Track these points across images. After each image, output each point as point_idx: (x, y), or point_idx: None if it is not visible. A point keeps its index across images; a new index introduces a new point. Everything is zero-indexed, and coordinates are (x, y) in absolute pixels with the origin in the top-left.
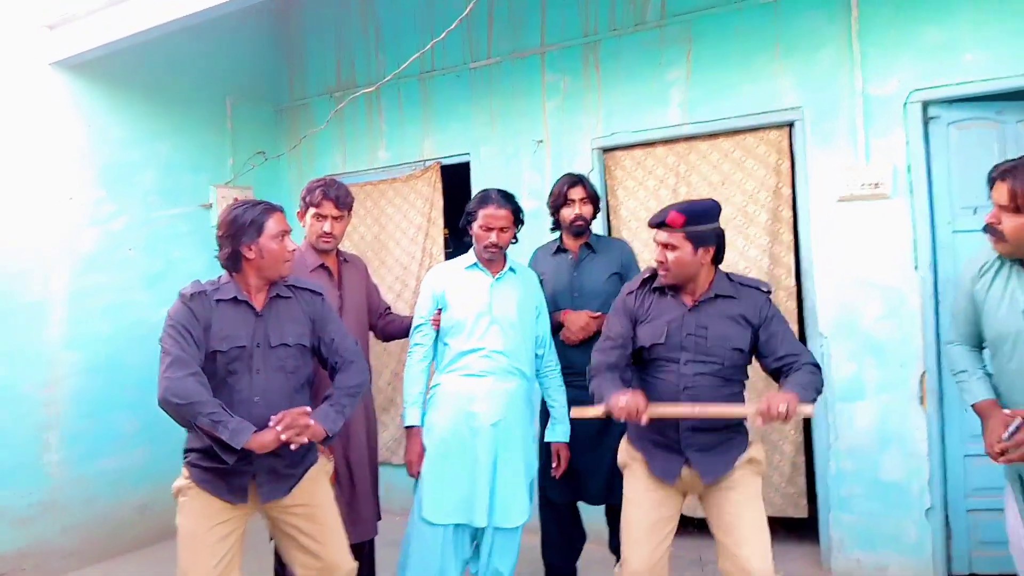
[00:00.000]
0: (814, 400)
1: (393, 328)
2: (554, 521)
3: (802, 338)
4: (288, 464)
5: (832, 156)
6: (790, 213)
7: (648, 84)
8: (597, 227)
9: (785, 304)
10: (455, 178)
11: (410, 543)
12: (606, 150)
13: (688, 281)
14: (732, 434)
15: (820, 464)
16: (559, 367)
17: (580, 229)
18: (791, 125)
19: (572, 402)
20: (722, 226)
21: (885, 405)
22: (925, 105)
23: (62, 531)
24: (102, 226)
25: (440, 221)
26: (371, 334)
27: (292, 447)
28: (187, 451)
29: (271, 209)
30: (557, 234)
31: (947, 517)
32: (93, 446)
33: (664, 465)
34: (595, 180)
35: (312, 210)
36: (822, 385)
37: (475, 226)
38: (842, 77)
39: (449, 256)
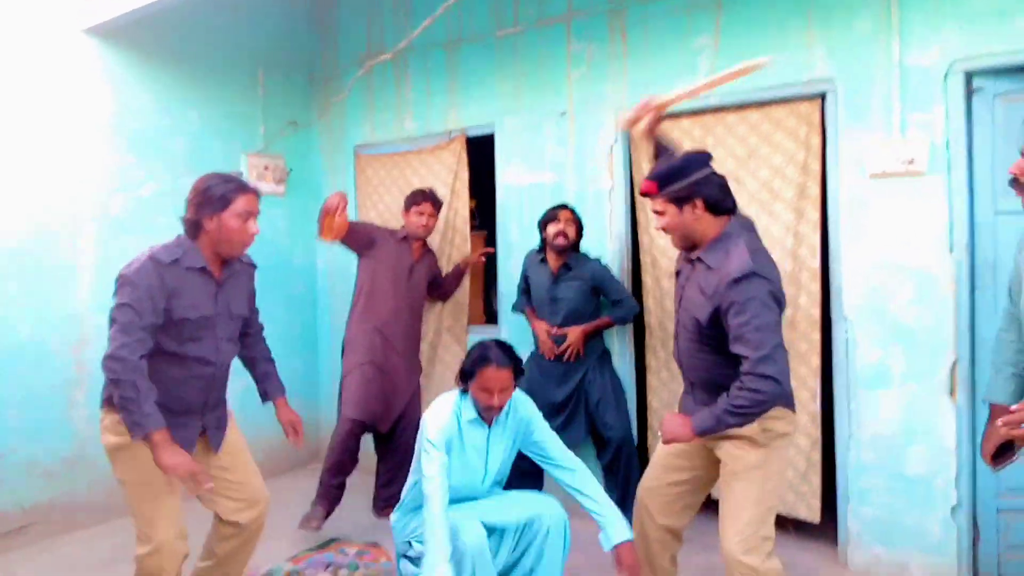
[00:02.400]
0: (725, 426)
1: (447, 286)
2: None
3: (826, 322)
4: (224, 412)
5: (865, 130)
6: (818, 190)
7: (675, 52)
8: (620, 199)
9: (808, 286)
10: (480, 149)
11: None
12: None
13: (698, 241)
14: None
15: (840, 454)
16: (583, 471)
17: (561, 247)
18: (823, 97)
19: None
20: (748, 203)
21: (912, 395)
22: (969, 76)
23: (89, 485)
24: (131, 192)
25: (465, 193)
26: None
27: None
28: (113, 403)
29: (244, 188)
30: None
31: (975, 516)
32: None
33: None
34: (618, 153)
35: (414, 208)
36: (753, 407)
37: (473, 385)
38: (879, 46)
39: (474, 229)
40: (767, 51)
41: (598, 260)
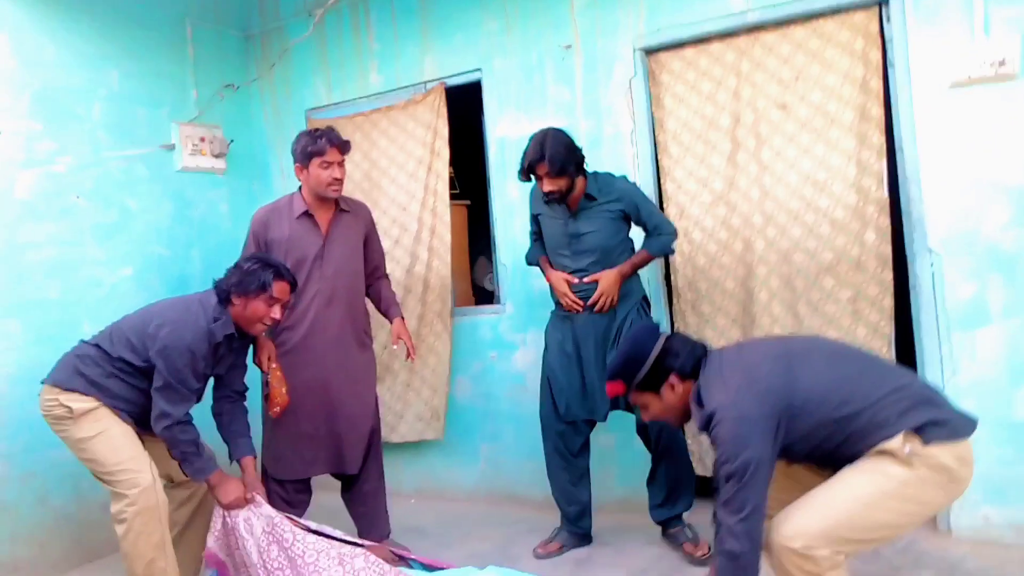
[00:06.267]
0: None
1: (373, 298)
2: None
3: (902, 258)
4: None
5: (941, 34)
6: (881, 111)
7: None
8: (644, 141)
9: (877, 220)
10: (462, 101)
11: None
12: (650, 51)
13: (687, 416)
14: None
15: None
16: None
17: (556, 200)
18: (881, 3)
19: None
20: (798, 132)
21: (1016, 329)
22: None
23: (11, 540)
24: (41, 168)
25: (446, 153)
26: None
27: None
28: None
29: (281, 276)
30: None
31: None
32: (44, 434)
33: None
34: (638, 88)
35: (316, 159)
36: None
37: None
38: None
39: (455, 197)
40: None
41: (624, 178)
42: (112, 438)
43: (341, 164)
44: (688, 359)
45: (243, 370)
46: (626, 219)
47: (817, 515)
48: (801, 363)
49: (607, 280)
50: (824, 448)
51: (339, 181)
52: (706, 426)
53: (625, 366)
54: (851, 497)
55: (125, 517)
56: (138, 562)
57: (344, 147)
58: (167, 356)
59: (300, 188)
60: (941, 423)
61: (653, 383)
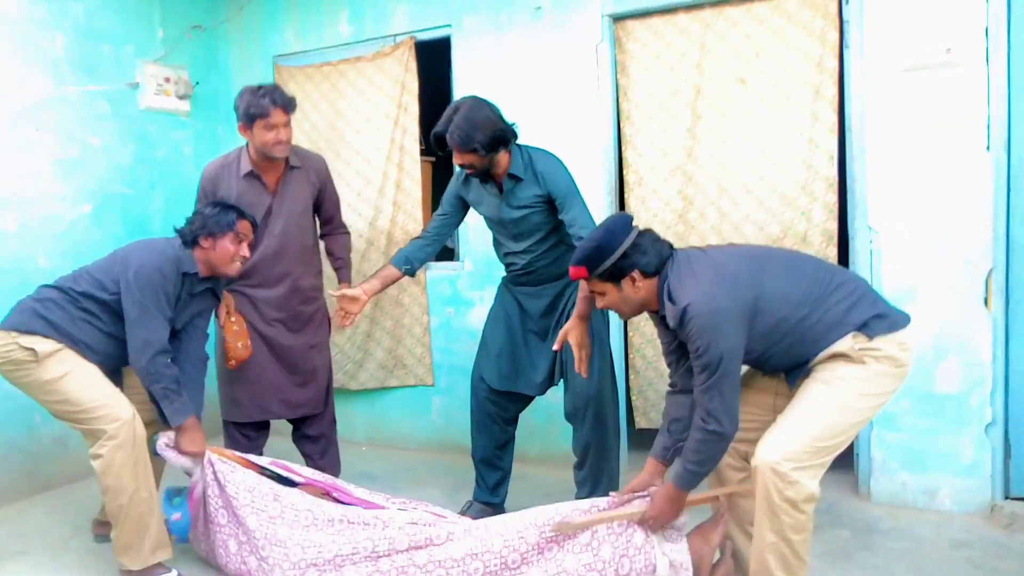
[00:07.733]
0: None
1: (328, 252)
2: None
3: (845, 235)
4: None
5: (896, 19)
6: (835, 90)
7: None
8: (607, 108)
9: (824, 197)
10: (433, 57)
11: None
12: (618, 18)
13: (647, 306)
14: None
15: None
16: None
17: (474, 176)
18: None
19: None
20: (756, 107)
21: (944, 308)
22: None
23: None
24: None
25: (414, 108)
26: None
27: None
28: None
29: (243, 216)
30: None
31: (1007, 433)
32: None
33: None
34: (604, 54)
35: (259, 121)
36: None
37: None
38: None
39: (424, 153)
40: None
41: (550, 156)
42: (83, 375)
43: (287, 125)
44: (655, 258)
45: (204, 335)
46: (550, 205)
47: (798, 433)
48: (764, 264)
49: (576, 333)
50: (781, 346)
51: (284, 143)
52: (680, 321)
53: (593, 253)
54: (823, 408)
55: (103, 452)
56: (121, 495)
57: (289, 106)
58: (140, 279)
59: (248, 144)
60: (883, 316)
61: (616, 274)
